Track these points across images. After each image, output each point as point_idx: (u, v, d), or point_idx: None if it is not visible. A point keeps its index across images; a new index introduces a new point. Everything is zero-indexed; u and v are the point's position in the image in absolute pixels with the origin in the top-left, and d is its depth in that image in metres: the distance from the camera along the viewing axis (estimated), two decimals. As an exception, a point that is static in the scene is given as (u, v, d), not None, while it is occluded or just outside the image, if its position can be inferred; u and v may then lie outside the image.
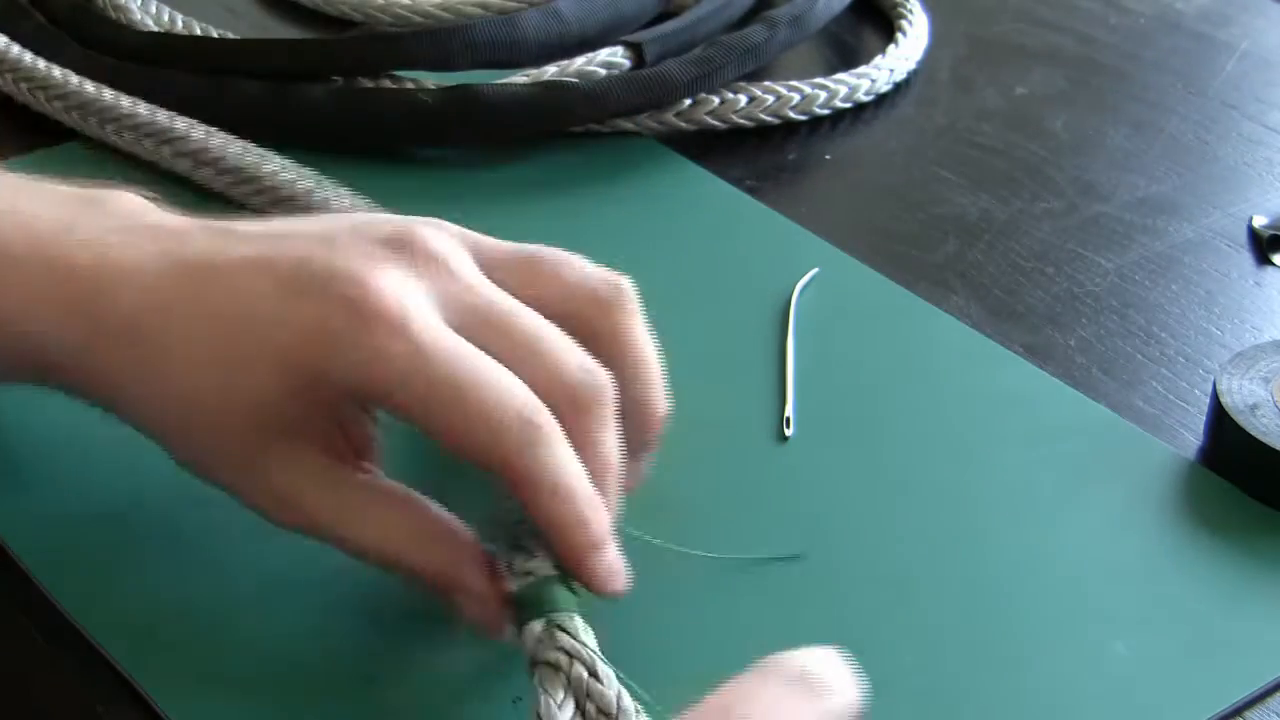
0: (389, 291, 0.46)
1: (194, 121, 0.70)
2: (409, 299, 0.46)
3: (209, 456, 0.48)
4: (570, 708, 0.43)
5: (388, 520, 0.47)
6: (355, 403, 0.48)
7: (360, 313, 0.45)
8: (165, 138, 0.69)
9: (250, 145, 0.68)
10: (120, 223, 0.50)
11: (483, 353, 0.46)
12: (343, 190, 0.66)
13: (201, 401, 0.47)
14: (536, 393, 0.46)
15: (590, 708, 0.43)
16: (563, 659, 0.44)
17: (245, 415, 0.47)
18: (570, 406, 0.47)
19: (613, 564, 0.47)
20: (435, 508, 0.48)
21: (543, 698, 0.43)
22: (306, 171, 0.67)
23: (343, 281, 0.46)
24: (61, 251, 0.49)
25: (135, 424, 0.50)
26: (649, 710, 0.44)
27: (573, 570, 0.46)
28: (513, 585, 0.46)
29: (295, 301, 0.46)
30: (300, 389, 0.46)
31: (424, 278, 0.47)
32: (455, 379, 0.45)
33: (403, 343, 0.45)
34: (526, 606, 0.46)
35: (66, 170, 0.70)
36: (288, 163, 0.68)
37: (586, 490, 0.46)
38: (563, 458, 0.46)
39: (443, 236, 0.49)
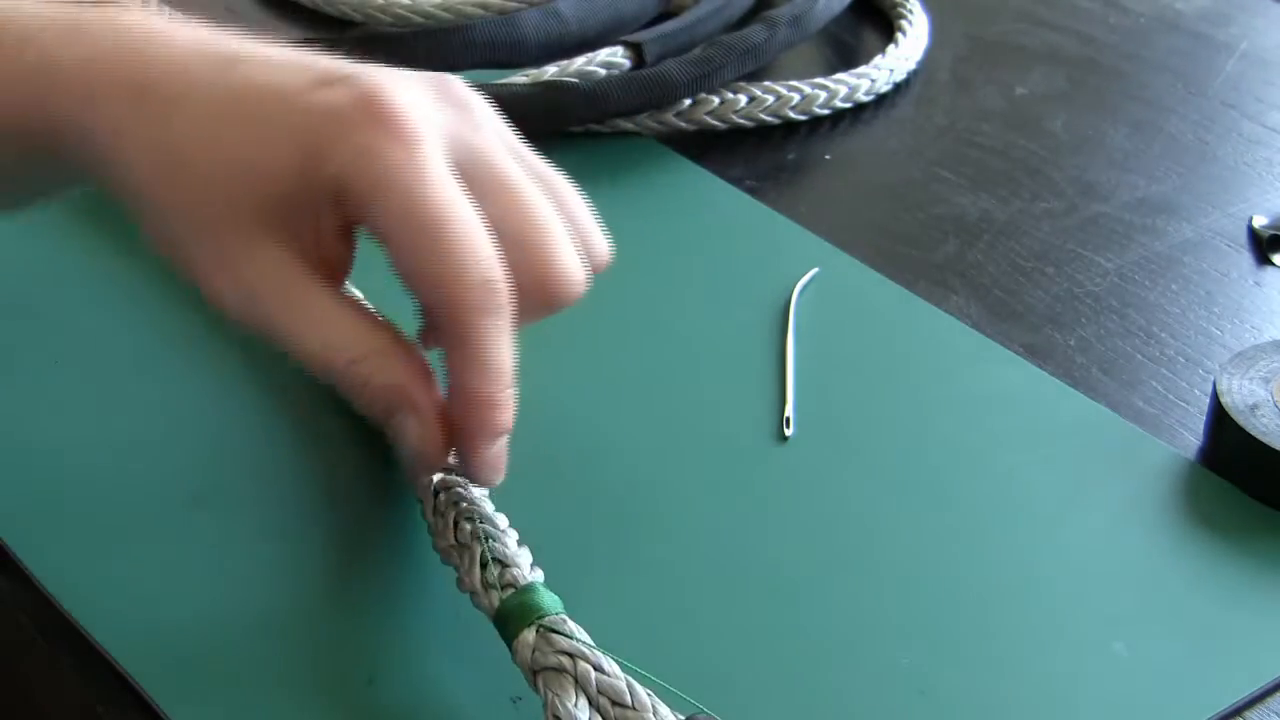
0: (410, 106, 0.46)
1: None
2: (426, 123, 0.47)
3: (188, 230, 0.48)
4: (586, 707, 0.43)
5: (347, 328, 0.47)
6: (339, 211, 0.48)
7: (375, 112, 0.46)
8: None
9: None
10: (160, 14, 0.50)
11: (470, 206, 0.46)
12: None
13: (204, 164, 0.47)
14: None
15: (604, 702, 0.43)
16: (565, 661, 0.44)
17: (242, 187, 0.47)
18: (525, 301, 0.47)
19: (501, 456, 0.48)
20: (393, 325, 0.48)
21: (557, 702, 0.43)
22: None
23: (370, 83, 0.46)
24: (107, 15, 0.49)
25: (123, 183, 0.48)
26: (662, 692, 0.44)
27: (467, 450, 0.47)
28: (495, 600, 0.46)
29: (321, 89, 0.47)
30: (301, 171, 0.46)
31: (448, 116, 0.48)
32: (438, 210, 0.45)
33: (403, 152, 0.45)
34: (513, 618, 0.46)
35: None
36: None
37: (510, 378, 0.47)
38: (506, 337, 0.47)
39: (480, 96, 0.50)
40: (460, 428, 0.48)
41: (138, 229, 0.49)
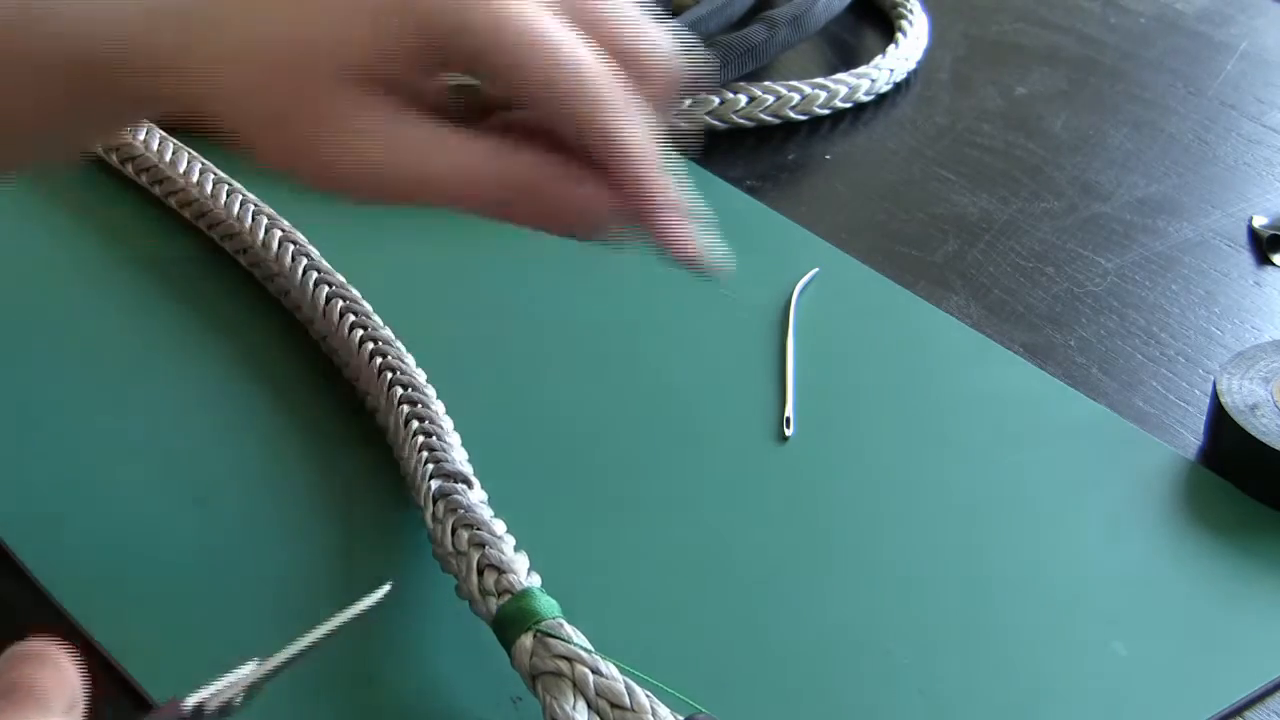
0: None
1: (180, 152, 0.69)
2: None
3: (286, 106, 0.46)
4: (585, 710, 0.43)
5: (466, 148, 0.47)
6: (447, 53, 0.47)
7: None
8: (143, 165, 0.69)
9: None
10: None
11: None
12: None
13: (299, 45, 0.46)
14: None
15: (603, 705, 0.44)
16: (563, 665, 0.44)
17: (349, 55, 0.46)
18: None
19: (691, 228, 0.48)
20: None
21: (555, 706, 0.43)
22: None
23: None
24: None
25: (201, 86, 0.47)
26: (661, 694, 0.44)
27: (657, 231, 0.47)
28: (492, 606, 0.47)
29: None
30: (407, 31, 0.45)
31: None
32: (556, 37, 0.45)
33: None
34: (511, 623, 0.46)
35: (40, 177, 0.70)
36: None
37: (657, 155, 0.47)
38: (639, 121, 0.47)
39: None
40: (642, 217, 0.47)
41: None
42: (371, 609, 0.45)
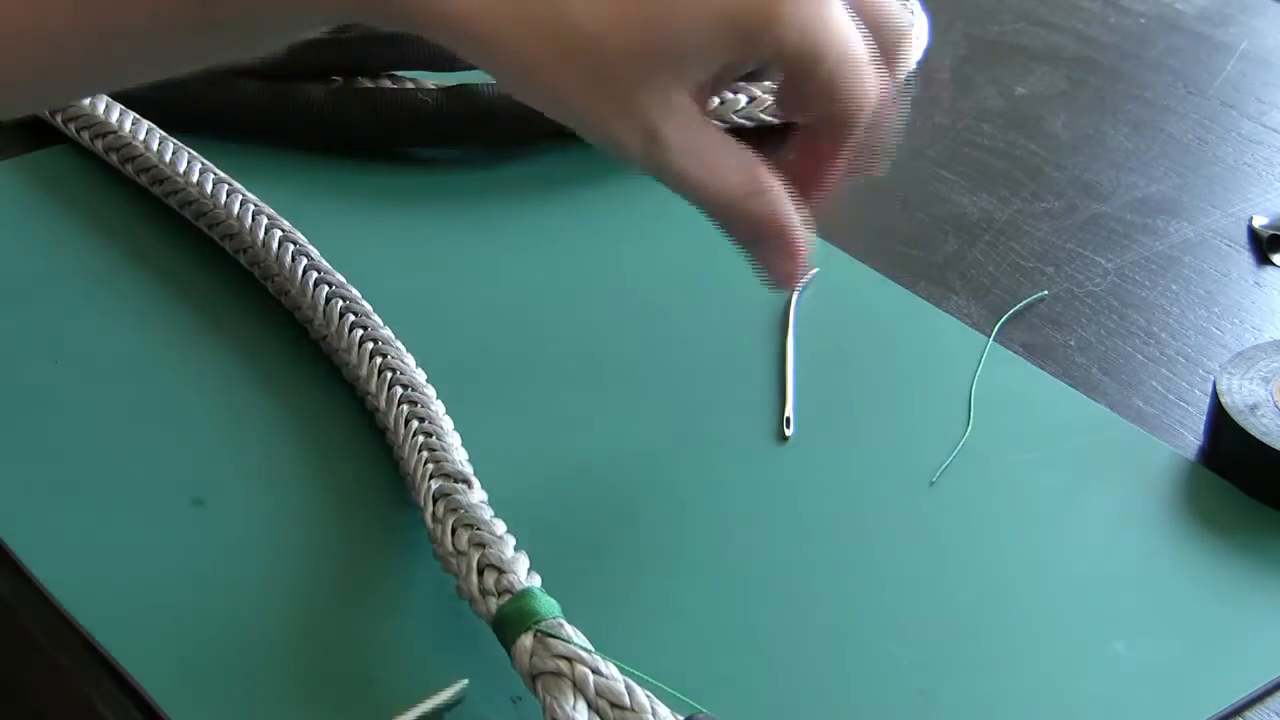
0: None
1: (173, 147, 0.69)
2: None
3: (582, 88, 0.47)
4: (585, 709, 0.43)
5: (742, 166, 0.49)
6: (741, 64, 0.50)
7: None
8: (144, 165, 0.69)
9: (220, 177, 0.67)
10: None
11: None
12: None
13: (611, 36, 0.46)
14: None
15: (603, 705, 0.44)
16: (563, 665, 0.44)
17: (689, 71, 0.47)
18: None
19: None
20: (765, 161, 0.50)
21: (555, 706, 0.43)
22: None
23: None
24: None
25: (489, 48, 0.47)
26: (661, 694, 0.44)
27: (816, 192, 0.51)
28: (492, 606, 0.47)
29: None
30: (734, 43, 0.47)
31: None
32: (857, 51, 0.48)
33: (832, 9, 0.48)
34: (510, 623, 0.46)
35: (56, 173, 0.70)
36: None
37: None
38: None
39: None
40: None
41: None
42: (448, 704, 0.46)
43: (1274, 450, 0.55)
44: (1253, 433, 0.56)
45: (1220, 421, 0.57)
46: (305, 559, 0.52)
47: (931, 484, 0.56)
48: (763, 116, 0.76)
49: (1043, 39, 0.87)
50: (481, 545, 0.48)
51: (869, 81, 0.49)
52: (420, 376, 0.57)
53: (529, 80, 0.47)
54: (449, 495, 0.50)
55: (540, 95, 0.47)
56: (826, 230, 0.69)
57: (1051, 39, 0.87)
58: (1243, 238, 0.71)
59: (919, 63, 0.83)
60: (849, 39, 0.48)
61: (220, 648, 0.49)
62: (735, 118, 0.76)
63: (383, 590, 0.51)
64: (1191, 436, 0.59)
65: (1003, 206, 0.73)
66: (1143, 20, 0.89)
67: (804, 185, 0.51)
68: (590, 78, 0.47)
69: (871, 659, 0.50)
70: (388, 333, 0.59)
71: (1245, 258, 0.70)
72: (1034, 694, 0.49)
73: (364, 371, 0.57)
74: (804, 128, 0.51)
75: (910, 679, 0.49)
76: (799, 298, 0.64)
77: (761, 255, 0.51)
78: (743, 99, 0.76)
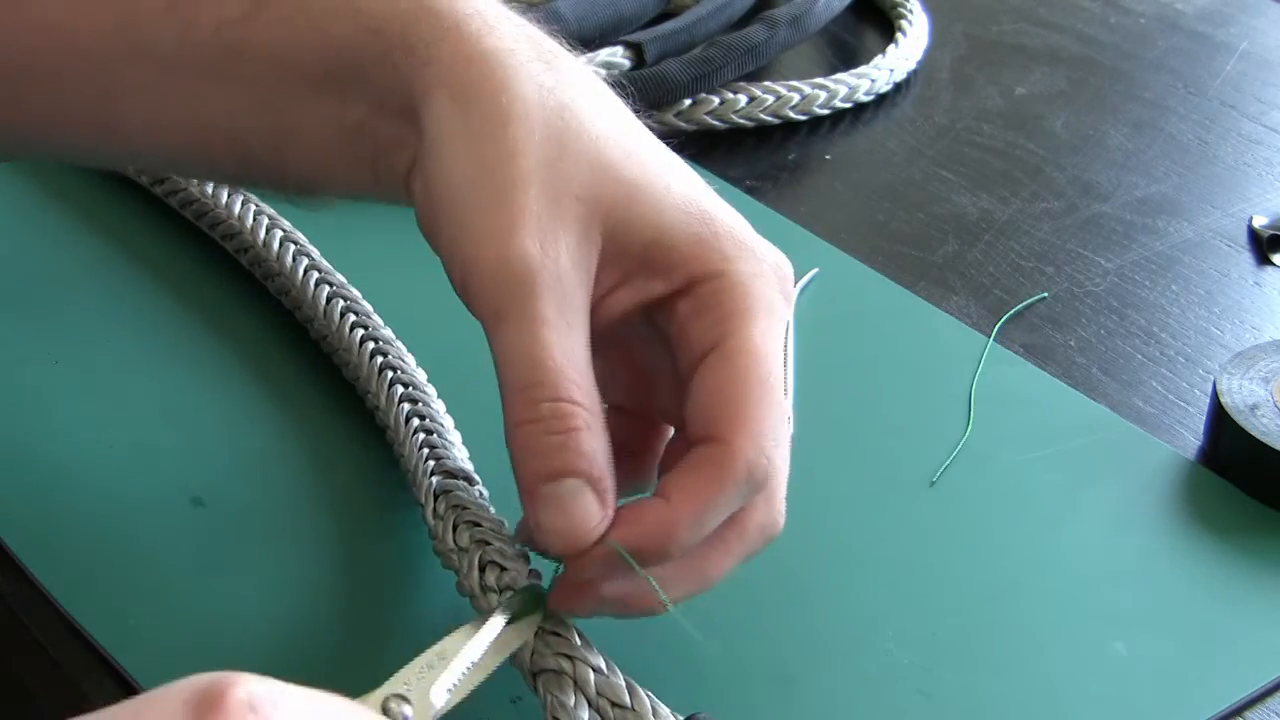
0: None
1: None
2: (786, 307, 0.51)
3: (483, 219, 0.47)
4: (585, 708, 0.43)
5: (578, 368, 0.46)
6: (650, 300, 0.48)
7: None
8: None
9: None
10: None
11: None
12: None
13: (537, 195, 0.46)
14: None
15: (604, 703, 0.44)
16: (564, 663, 0.44)
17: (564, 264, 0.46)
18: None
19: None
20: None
21: (556, 704, 0.43)
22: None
23: None
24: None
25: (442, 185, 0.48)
26: (661, 693, 0.44)
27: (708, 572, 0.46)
28: (493, 603, 0.47)
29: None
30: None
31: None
32: (777, 371, 0.49)
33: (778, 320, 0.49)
34: (512, 620, 0.46)
35: (56, 173, 0.70)
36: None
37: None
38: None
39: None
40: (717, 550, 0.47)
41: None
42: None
43: (1274, 450, 0.55)
44: (1253, 433, 0.56)
45: (1220, 421, 0.57)
46: (305, 559, 0.52)
47: (932, 484, 0.56)
48: (762, 116, 0.76)
49: (1043, 39, 0.87)
50: (483, 542, 0.48)
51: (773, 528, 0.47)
52: (421, 376, 0.57)
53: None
54: (450, 492, 0.50)
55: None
56: (827, 230, 0.70)
57: (1051, 39, 0.87)
58: (1243, 238, 0.71)
59: (919, 63, 0.83)
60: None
61: (220, 647, 0.49)
62: (735, 118, 0.76)
63: (383, 589, 0.51)
64: (1191, 436, 0.59)
65: (1002, 206, 0.73)
66: (1143, 20, 0.89)
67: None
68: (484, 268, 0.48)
69: (871, 659, 0.50)
70: (388, 332, 0.59)
71: (1245, 258, 0.70)
72: (1034, 694, 0.49)
73: (364, 371, 0.57)
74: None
75: (910, 679, 0.49)
76: (798, 298, 0.64)
77: (545, 493, 0.43)
78: (743, 99, 0.76)
